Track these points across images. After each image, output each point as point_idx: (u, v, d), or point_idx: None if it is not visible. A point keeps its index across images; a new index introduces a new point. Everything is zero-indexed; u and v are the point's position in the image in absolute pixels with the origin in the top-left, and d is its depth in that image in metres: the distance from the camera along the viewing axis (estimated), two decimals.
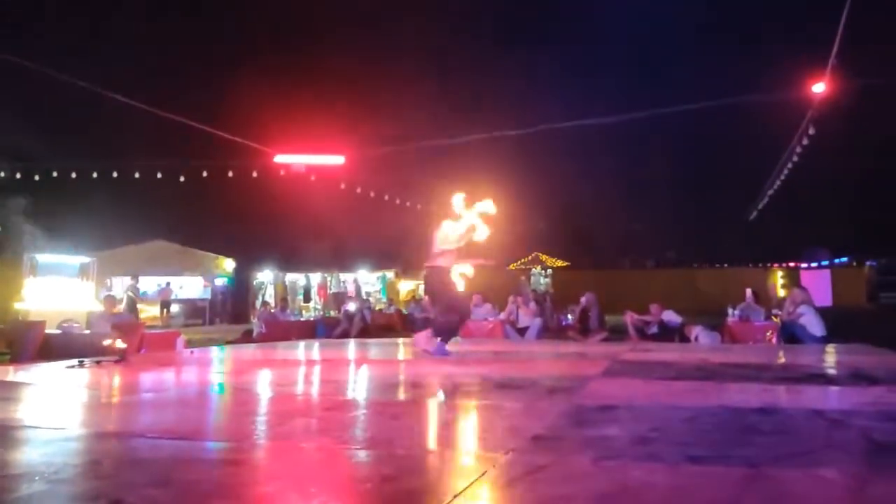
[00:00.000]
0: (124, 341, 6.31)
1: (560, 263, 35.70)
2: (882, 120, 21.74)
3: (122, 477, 2.07)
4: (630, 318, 10.40)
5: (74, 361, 5.69)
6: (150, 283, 23.00)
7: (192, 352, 7.70)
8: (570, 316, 13.18)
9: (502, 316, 11.51)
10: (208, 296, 22.88)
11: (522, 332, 10.90)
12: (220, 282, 23.68)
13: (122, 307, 17.97)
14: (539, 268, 32.82)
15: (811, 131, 11.73)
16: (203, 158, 16.23)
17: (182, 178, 16.35)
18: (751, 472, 1.93)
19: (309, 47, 30.49)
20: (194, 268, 22.96)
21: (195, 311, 22.23)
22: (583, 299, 11.73)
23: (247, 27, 29.82)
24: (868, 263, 27.83)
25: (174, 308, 21.55)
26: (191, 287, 22.77)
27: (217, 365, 6.32)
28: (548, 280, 29.21)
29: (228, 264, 23.78)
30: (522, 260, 37.41)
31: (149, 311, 21.34)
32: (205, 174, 16.11)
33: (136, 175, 16.48)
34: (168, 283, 21.96)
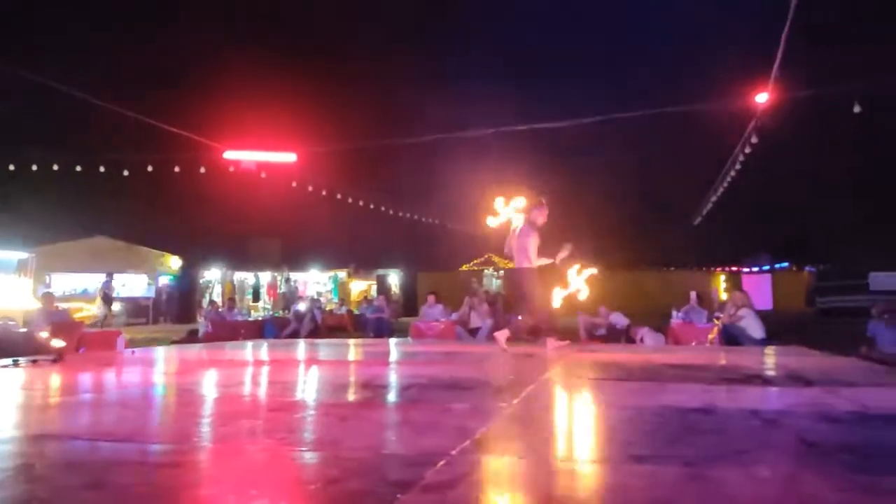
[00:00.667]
0: (62, 340, 6.09)
1: (512, 265, 35.96)
2: (822, 130, 22.67)
3: (54, 480, 1.99)
4: (582, 319, 10.58)
5: (9, 361, 5.46)
6: (91, 281, 22.28)
7: (133, 352, 7.48)
8: (520, 317, 13.31)
9: (454, 317, 11.55)
10: (152, 294, 22.28)
11: (474, 332, 10.96)
12: (165, 280, 23.08)
13: (97, 304, 17.47)
14: (491, 269, 33.02)
15: (754, 140, 12.14)
16: (148, 152, 15.77)
17: (126, 173, 15.82)
18: (688, 472, 1.98)
19: (261, 41, 30.01)
20: (138, 265, 22.33)
21: (138, 310, 21.62)
22: None
23: (196, 19, 29.16)
24: (807, 269, 28.96)
25: (116, 306, 20.90)
26: (134, 285, 22.13)
27: (160, 365, 6.16)
28: (500, 281, 29.41)
29: (174, 262, 23.19)
30: (475, 261, 37.58)
31: (90, 310, 20.71)
32: (150, 169, 15.63)
33: (78, 168, 15.88)
34: (110, 281, 21.29)
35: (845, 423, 2.80)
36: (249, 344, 9.26)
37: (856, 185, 32.18)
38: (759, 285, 27.22)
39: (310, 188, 18.50)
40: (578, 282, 7.40)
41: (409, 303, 25.32)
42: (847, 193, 32.19)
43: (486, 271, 31.74)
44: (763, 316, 9.50)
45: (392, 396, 3.88)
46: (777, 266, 31.24)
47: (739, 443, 2.40)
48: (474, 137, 15.71)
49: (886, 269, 16.59)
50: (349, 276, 26.77)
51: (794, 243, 31.10)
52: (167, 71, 27.28)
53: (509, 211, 7.22)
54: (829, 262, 23.20)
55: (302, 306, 14.17)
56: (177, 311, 22.63)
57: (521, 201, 7.23)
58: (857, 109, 10.64)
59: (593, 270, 7.44)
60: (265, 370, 5.73)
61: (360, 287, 27.15)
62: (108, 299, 20.43)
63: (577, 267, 7.39)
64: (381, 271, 27.60)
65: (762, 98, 10.81)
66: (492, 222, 7.34)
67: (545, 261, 7.20)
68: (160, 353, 7.67)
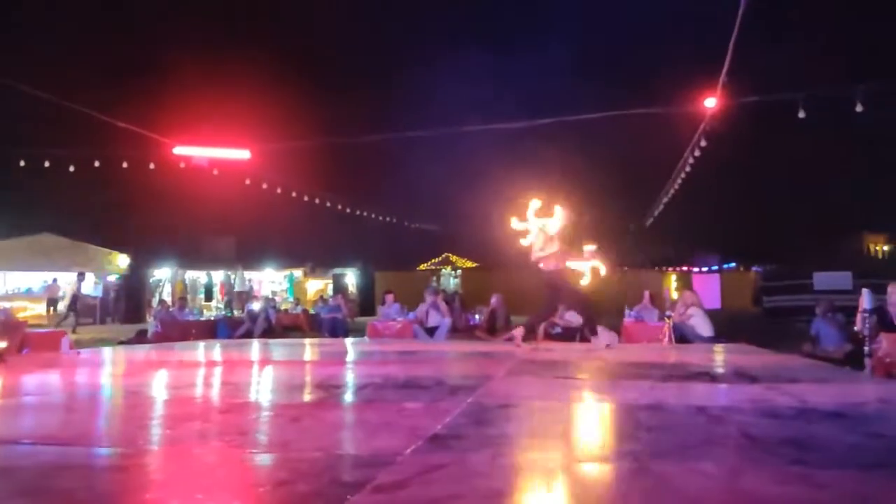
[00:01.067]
0: (4, 341, 5.88)
1: (469, 264, 36.14)
2: (768, 135, 23.41)
3: None
4: (554, 318, 10.65)
5: None
6: (35, 280, 21.53)
7: (78, 353, 7.25)
8: (477, 316, 13.39)
9: (411, 316, 11.54)
10: (100, 293, 21.63)
11: (431, 331, 10.96)
12: (113, 279, 22.44)
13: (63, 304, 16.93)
14: (449, 268, 33.11)
15: (703, 143, 12.46)
16: (95, 147, 15.26)
17: (72, 168, 15.30)
18: (635, 467, 2.03)
19: (213, 34, 29.41)
20: (85, 264, 21.65)
21: (85, 310, 20.95)
22: (493, 300, 11.97)
23: (146, 9, 28.41)
24: (754, 269, 29.85)
25: (61, 306, 20.26)
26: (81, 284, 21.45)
27: (107, 366, 5.99)
28: (457, 280, 29.49)
29: (122, 260, 22.54)
30: (433, 260, 37.63)
31: (34, 309, 20.01)
32: (97, 164, 15.13)
33: (22, 164, 15.29)
34: (55, 280, 20.63)
35: (786, 418, 2.90)
36: (201, 344, 9.08)
37: (799, 189, 33.36)
38: (709, 285, 27.94)
39: (264, 185, 18.22)
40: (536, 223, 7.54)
41: (367, 302, 25.15)
42: (791, 196, 33.34)
43: (443, 270, 31.82)
44: (712, 315, 9.76)
45: (346, 396, 3.86)
46: (725, 266, 32.13)
47: (686, 438, 2.46)
48: (431, 136, 15.71)
49: (829, 270, 17.18)
50: (305, 275, 26.48)
51: (741, 244, 32.04)
52: (114, 63, 26.51)
53: (533, 220, 7.43)
54: (774, 263, 23.94)
55: (256, 306, 13.95)
56: (125, 310, 22.01)
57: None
58: (801, 115, 11.01)
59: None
60: (216, 371, 5.63)
61: (316, 286, 26.88)
62: (52, 301, 19.85)
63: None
64: (337, 270, 27.36)
65: (711, 103, 11.10)
66: (516, 225, 7.57)
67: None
68: (107, 354, 7.45)
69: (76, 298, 18.50)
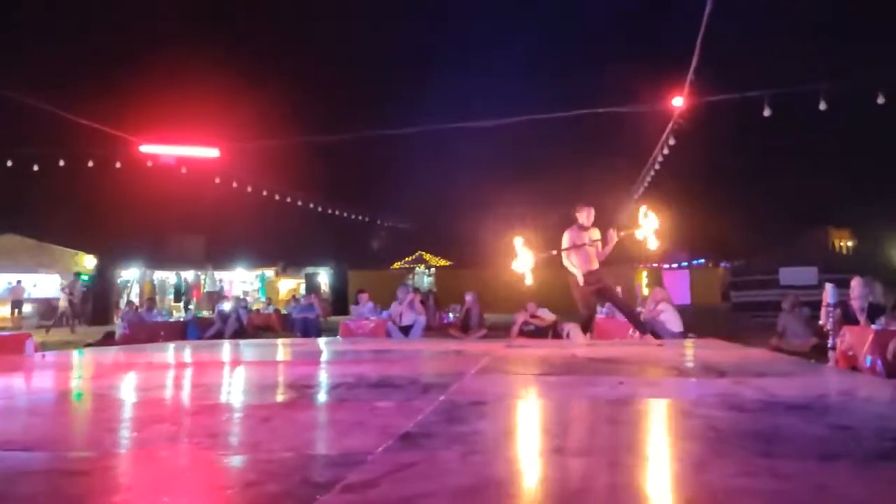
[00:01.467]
0: None
1: (443, 262, 36.17)
2: (736, 133, 23.82)
3: None
4: (524, 316, 10.70)
5: None
6: None
7: (43, 355, 7.10)
8: (451, 314, 13.42)
9: (385, 314, 11.51)
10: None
11: (405, 330, 10.94)
12: (80, 280, 21.98)
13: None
14: (423, 266, 33.09)
15: (672, 141, 12.63)
16: (60, 146, 14.91)
17: (36, 168, 14.95)
18: (605, 461, 2.05)
19: (181, 30, 28.93)
20: (50, 265, 21.18)
21: (51, 312, 20.51)
22: (468, 298, 12.00)
23: (113, 6, 27.85)
24: (722, 265, 30.33)
25: (27, 308, 19.79)
26: (46, 285, 20.99)
27: (73, 369, 5.87)
28: (431, 279, 29.49)
29: (89, 261, 22.10)
30: (406, 259, 37.57)
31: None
32: (62, 163, 14.80)
33: None
34: (19, 281, 20.15)
35: (752, 411, 2.95)
36: (170, 346, 8.95)
37: (766, 185, 34.03)
38: (678, 281, 28.31)
39: (234, 184, 18.00)
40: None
41: (340, 301, 25.00)
42: (759, 193, 33.99)
43: (417, 269, 31.79)
44: (681, 310, 9.91)
45: (318, 396, 3.83)
46: (695, 262, 32.60)
47: (655, 432, 2.50)
48: (405, 134, 15.68)
49: (795, 265, 17.51)
50: (277, 274, 26.23)
51: (710, 241, 32.53)
52: (79, 59, 25.95)
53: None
54: (742, 259, 24.37)
55: (227, 306, 13.77)
56: (92, 312, 21.58)
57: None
58: (766, 113, 11.22)
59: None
60: (186, 373, 5.55)
61: (288, 286, 26.66)
62: (17, 303, 19.37)
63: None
64: (310, 269, 27.16)
65: (678, 102, 11.26)
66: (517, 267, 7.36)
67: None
68: (73, 356, 7.30)
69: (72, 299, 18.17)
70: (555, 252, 7.31)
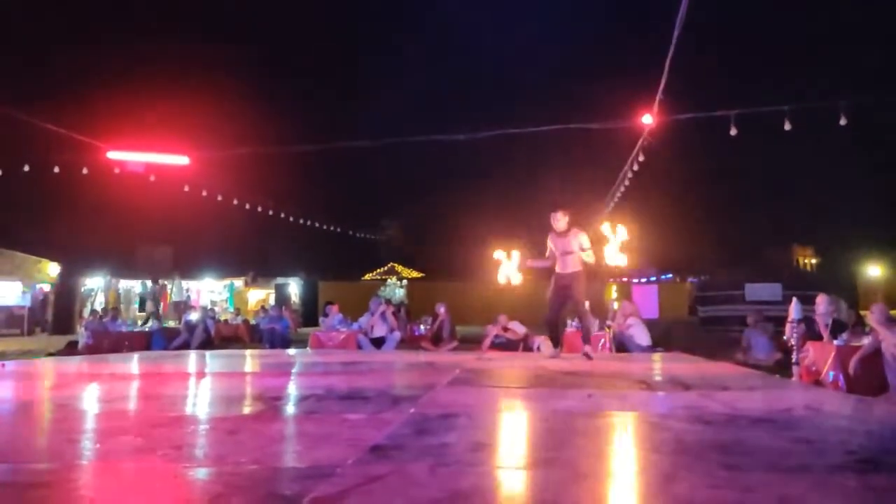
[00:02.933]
0: None
1: (415, 274, 36.10)
2: (703, 152, 24.29)
3: None
4: (496, 329, 10.72)
5: None
6: None
7: (3, 364, 6.90)
8: (423, 326, 13.39)
9: (356, 326, 11.44)
10: (28, 303, 20.64)
11: (377, 342, 10.88)
12: (42, 288, 21.46)
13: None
14: (395, 278, 32.96)
15: (641, 158, 12.83)
16: (25, 151, 14.59)
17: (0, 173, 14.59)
18: (572, 474, 2.06)
19: (151, 35, 28.58)
20: (11, 272, 20.64)
21: (12, 320, 19.96)
22: (441, 310, 11.99)
23: (81, 8, 27.40)
24: (690, 280, 30.79)
25: None
26: (7, 292, 20.44)
27: (34, 379, 5.71)
28: (403, 291, 29.39)
29: (52, 269, 21.58)
30: (378, 270, 37.41)
31: None
32: (27, 169, 14.47)
33: None
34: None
35: (717, 424, 2.99)
36: (135, 356, 8.77)
37: (733, 203, 34.70)
38: (647, 295, 28.66)
39: (204, 193, 17.77)
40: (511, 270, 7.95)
41: (311, 313, 24.77)
42: (725, 210, 34.66)
43: (389, 281, 31.65)
44: (650, 324, 10.03)
45: (286, 408, 3.79)
46: (663, 277, 33.04)
47: (621, 445, 2.52)
48: (376, 147, 15.66)
49: (760, 281, 17.82)
50: (246, 284, 25.90)
51: (678, 257, 33.02)
52: (45, 63, 25.47)
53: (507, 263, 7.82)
54: (709, 275, 24.75)
55: (194, 316, 13.55)
56: (54, 321, 21.05)
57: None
58: (733, 132, 11.47)
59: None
60: (151, 384, 5.44)
61: (258, 296, 26.34)
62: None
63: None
64: (280, 280, 26.88)
65: (648, 119, 11.45)
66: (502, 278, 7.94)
67: (541, 263, 7.64)
68: (35, 366, 7.11)
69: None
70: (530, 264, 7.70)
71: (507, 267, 7.87)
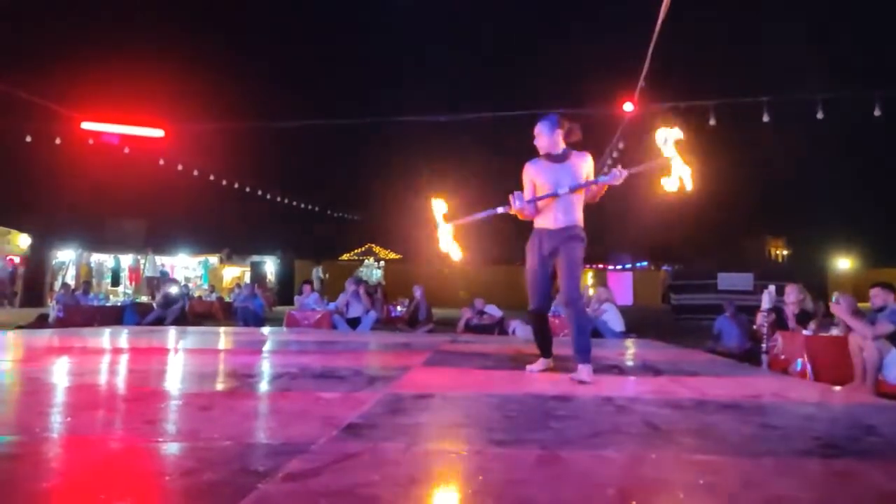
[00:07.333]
0: None
1: (393, 256, 36.08)
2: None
3: None
4: (471, 312, 10.76)
5: None
6: None
7: None
8: (399, 308, 13.41)
9: (332, 306, 11.41)
10: None
11: (352, 322, 10.87)
12: (12, 259, 21.04)
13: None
14: (372, 259, 32.90)
15: (621, 146, 12.91)
16: None
17: None
18: (543, 454, 2.09)
19: (128, 4, 27.89)
20: None
21: None
22: (417, 293, 12.01)
23: None
24: (663, 268, 31.18)
25: None
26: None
27: (2, 351, 5.63)
28: (380, 272, 29.36)
29: (23, 240, 21.17)
30: (356, 251, 37.31)
31: None
32: None
33: None
34: None
35: (686, 409, 3.05)
36: (107, 331, 8.67)
37: (707, 193, 35.01)
38: (622, 282, 29.01)
39: (179, 167, 17.50)
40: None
41: (286, 291, 24.62)
42: (699, 199, 34.96)
43: (366, 261, 31.58)
44: (624, 311, 10.15)
45: (260, 385, 3.78)
46: (637, 265, 33.40)
47: (593, 427, 2.55)
48: (355, 125, 15.54)
49: (733, 271, 18.08)
50: (221, 261, 25.65)
51: (652, 244, 33.36)
52: (18, 29, 24.75)
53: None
54: (682, 263, 25.06)
55: (174, 290, 13.30)
56: (24, 294, 20.68)
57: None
58: (712, 122, 11.58)
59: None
60: (123, 358, 5.39)
61: (233, 273, 26.12)
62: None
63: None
64: (255, 258, 26.66)
65: (628, 108, 11.51)
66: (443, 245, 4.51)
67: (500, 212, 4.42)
68: (3, 338, 7.00)
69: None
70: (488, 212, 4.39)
71: (444, 231, 4.51)
